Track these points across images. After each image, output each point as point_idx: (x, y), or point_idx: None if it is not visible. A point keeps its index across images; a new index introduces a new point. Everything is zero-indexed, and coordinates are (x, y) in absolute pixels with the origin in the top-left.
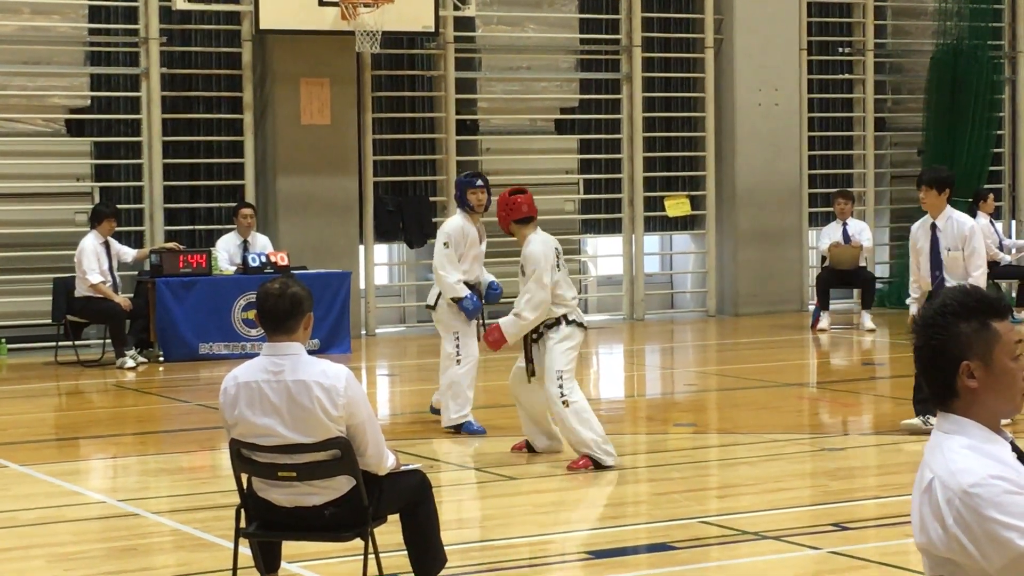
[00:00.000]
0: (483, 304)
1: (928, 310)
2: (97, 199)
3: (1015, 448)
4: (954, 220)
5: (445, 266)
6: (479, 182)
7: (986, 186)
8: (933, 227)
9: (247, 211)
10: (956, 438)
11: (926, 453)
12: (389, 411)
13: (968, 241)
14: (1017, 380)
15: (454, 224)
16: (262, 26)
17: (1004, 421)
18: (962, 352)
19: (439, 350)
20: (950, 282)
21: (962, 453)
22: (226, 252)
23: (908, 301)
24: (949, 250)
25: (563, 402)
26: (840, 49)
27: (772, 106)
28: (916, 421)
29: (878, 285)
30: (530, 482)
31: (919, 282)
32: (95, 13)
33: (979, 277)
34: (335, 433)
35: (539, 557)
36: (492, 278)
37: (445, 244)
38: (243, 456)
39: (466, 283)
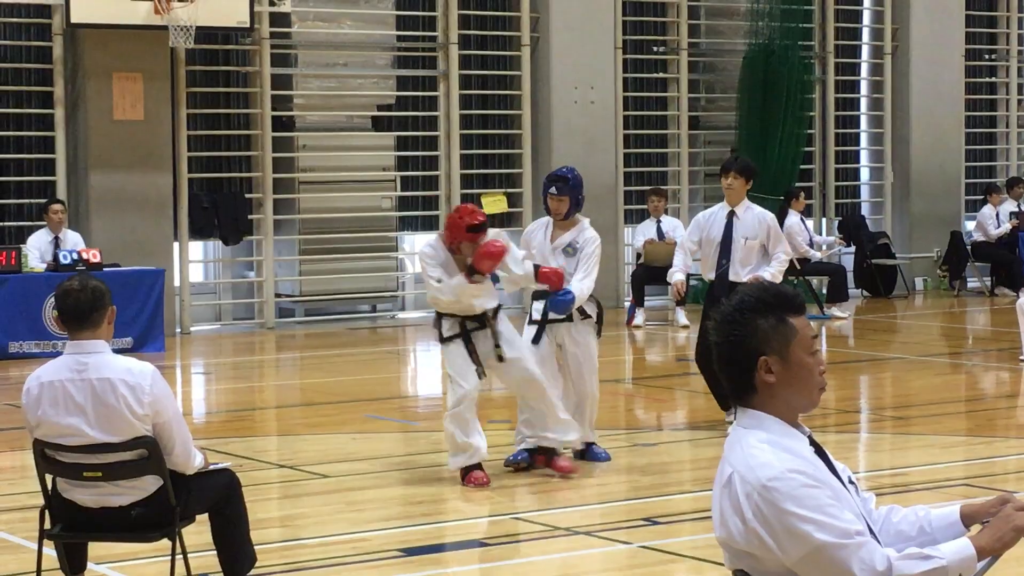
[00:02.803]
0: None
1: (727, 306)
2: None
3: (813, 442)
4: (754, 211)
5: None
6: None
7: (797, 184)
8: (731, 215)
9: (57, 207)
10: (755, 432)
11: (726, 448)
12: (205, 409)
13: (771, 231)
14: (814, 374)
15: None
16: (73, 20)
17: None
18: (760, 347)
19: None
20: (735, 271)
21: (760, 448)
22: (36, 249)
23: (672, 279)
24: (747, 239)
25: None
26: (655, 48)
27: (588, 104)
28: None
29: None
30: (343, 480)
31: (688, 265)
32: None
33: (784, 262)
34: (141, 432)
35: (352, 555)
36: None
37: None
38: (47, 456)
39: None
